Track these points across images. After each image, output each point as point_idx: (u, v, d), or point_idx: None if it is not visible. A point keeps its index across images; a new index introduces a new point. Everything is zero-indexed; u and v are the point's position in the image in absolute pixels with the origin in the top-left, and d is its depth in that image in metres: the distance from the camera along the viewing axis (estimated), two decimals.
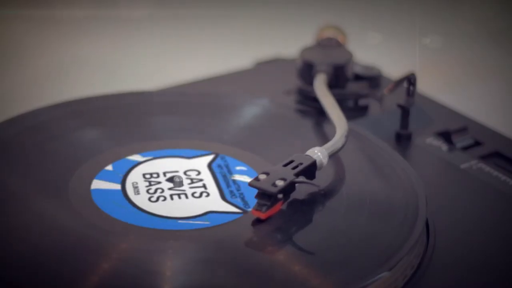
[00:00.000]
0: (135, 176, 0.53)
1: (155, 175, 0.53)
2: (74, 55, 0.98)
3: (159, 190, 0.52)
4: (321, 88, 0.61)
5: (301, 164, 0.50)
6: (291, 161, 0.50)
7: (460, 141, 0.61)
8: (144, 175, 0.53)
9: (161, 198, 0.51)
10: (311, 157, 0.50)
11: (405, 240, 0.47)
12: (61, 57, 0.98)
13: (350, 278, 0.44)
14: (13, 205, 0.50)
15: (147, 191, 0.51)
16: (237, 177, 0.53)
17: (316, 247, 0.47)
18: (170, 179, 0.53)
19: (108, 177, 0.53)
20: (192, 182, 0.52)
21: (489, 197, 0.55)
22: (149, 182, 0.52)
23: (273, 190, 0.48)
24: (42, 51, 1.00)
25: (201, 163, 0.55)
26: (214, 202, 0.50)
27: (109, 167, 0.53)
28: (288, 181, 0.48)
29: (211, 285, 0.44)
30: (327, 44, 0.67)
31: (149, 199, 0.51)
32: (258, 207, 0.48)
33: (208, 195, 0.51)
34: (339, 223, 0.49)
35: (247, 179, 0.52)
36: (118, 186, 0.52)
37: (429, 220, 0.51)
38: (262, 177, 0.48)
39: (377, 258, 0.46)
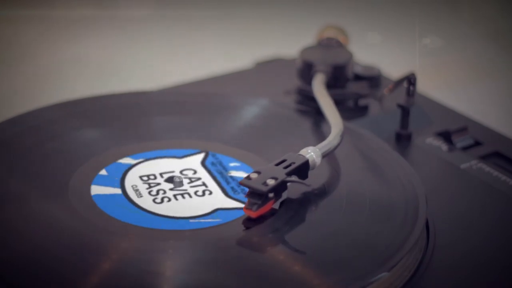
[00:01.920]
0: (132, 178, 0.53)
1: (152, 177, 0.53)
2: (74, 55, 0.98)
3: (161, 192, 0.52)
4: (318, 88, 0.61)
5: (293, 163, 0.50)
6: (284, 160, 0.50)
7: (460, 141, 0.61)
8: (141, 177, 0.53)
9: (166, 199, 0.51)
10: (303, 156, 0.51)
11: (405, 240, 0.47)
12: (61, 57, 0.98)
13: (350, 279, 0.44)
14: (13, 205, 0.50)
15: (149, 193, 0.51)
16: (234, 173, 0.53)
17: (316, 247, 0.47)
18: (169, 180, 0.53)
19: (105, 182, 0.53)
20: (191, 181, 0.52)
21: (489, 197, 0.55)
22: (149, 184, 0.52)
23: (264, 189, 0.48)
24: (42, 51, 0.99)
25: (194, 161, 0.55)
26: (219, 199, 0.51)
27: (103, 172, 0.53)
28: (279, 180, 0.48)
29: (218, 284, 0.44)
30: (327, 44, 0.67)
31: (154, 200, 0.51)
32: (249, 205, 0.48)
33: (210, 193, 0.51)
34: (339, 223, 0.49)
35: (243, 174, 0.52)
36: (118, 190, 0.52)
37: (429, 220, 0.51)
38: (254, 176, 0.48)
39: (377, 258, 0.46)
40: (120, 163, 0.54)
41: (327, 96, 0.60)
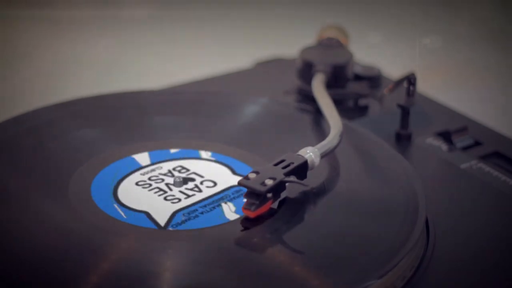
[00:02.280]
0: (171, 164, 0.54)
1: (183, 170, 0.53)
2: (74, 55, 0.98)
3: (158, 181, 0.52)
4: (318, 88, 0.61)
5: (292, 163, 0.50)
6: (282, 160, 0.50)
7: (460, 141, 0.61)
8: (176, 166, 0.54)
9: (146, 186, 0.52)
10: (302, 156, 0.50)
11: (405, 240, 0.47)
12: (61, 57, 0.98)
13: (349, 279, 0.44)
14: (13, 205, 0.50)
15: (149, 178, 0.52)
16: (230, 204, 0.51)
17: (315, 247, 0.47)
18: (179, 178, 0.53)
19: (157, 156, 0.55)
20: (190, 190, 0.52)
21: (489, 197, 0.55)
22: (169, 171, 0.53)
23: (262, 189, 0.47)
24: (42, 51, 1.00)
25: (234, 180, 0.53)
26: (164, 210, 0.50)
27: (174, 150, 0.55)
28: (277, 180, 0.48)
29: (218, 285, 0.44)
30: (327, 44, 0.67)
31: (137, 182, 0.52)
32: (247, 206, 0.48)
33: (177, 201, 0.51)
34: (339, 223, 0.49)
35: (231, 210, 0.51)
36: (146, 162, 0.54)
37: (429, 220, 0.51)
38: (252, 176, 0.48)
39: (377, 258, 0.46)
40: (195, 152, 0.55)
41: (327, 96, 0.60)
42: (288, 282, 0.44)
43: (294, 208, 0.50)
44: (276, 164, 0.49)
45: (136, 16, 1.10)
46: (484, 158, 0.59)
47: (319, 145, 0.52)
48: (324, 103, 0.59)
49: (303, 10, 1.10)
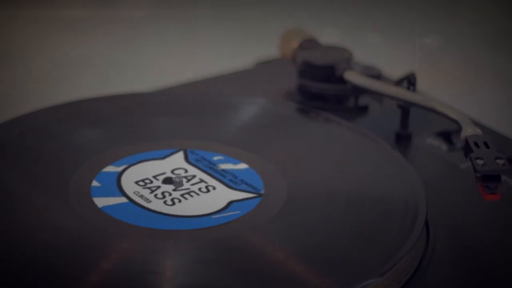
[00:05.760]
0: (129, 185, 0.52)
1: (147, 181, 0.52)
2: (74, 55, 0.98)
3: (167, 194, 0.51)
4: (385, 84, 0.61)
5: (485, 142, 0.49)
6: (476, 143, 0.49)
7: (460, 141, 0.61)
8: (137, 182, 0.52)
9: (176, 200, 0.50)
10: (479, 133, 0.50)
11: (404, 240, 0.47)
12: (61, 57, 0.98)
13: (349, 279, 0.44)
14: (13, 205, 0.50)
15: (155, 197, 0.51)
16: (223, 166, 0.53)
17: (316, 247, 0.47)
18: (167, 181, 0.52)
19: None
20: (189, 180, 0.52)
21: None
22: (149, 188, 0.51)
23: (506, 168, 0.47)
24: (42, 51, 1.00)
25: (178, 160, 0.54)
26: (227, 193, 0.51)
27: (96, 183, 0.52)
28: (505, 157, 0.48)
29: (218, 284, 0.44)
30: (310, 46, 0.67)
31: (165, 203, 0.50)
32: (491, 190, 0.47)
33: (214, 188, 0.51)
34: (338, 223, 0.49)
35: (232, 167, 0.53)
36: (124, 199, 0.50)
37: (429, 220, 0.51)
38: (480, 162, 0.48)
39: (377, 258, 0.46)
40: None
41: (410, 92, 0.60)
42: (288, 282, 0.44)
43: (295, 208, 0.50)
44: (477, 146, 0.49)
45: (135, 16, 1.10)
46: None
47: (469, 125, 0.52)
48: (422, 99, 0.59)
49: (303, 10, 1.10)
